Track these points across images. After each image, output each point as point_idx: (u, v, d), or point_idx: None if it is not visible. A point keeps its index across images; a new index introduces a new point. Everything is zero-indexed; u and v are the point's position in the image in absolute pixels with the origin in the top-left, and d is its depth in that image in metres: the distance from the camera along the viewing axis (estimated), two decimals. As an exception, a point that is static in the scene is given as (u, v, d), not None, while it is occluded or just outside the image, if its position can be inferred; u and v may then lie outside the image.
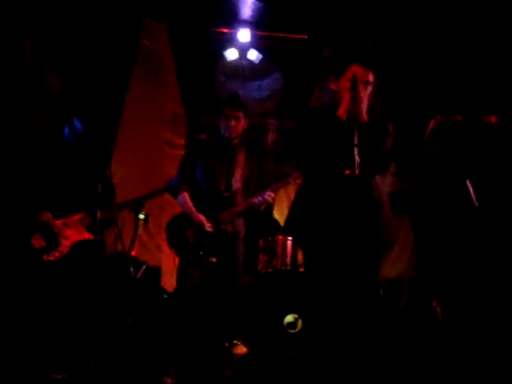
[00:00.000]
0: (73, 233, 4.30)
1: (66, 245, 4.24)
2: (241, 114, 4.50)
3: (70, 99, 4.67)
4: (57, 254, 4.20)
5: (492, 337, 3.83)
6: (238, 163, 4.51)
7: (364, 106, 3.37)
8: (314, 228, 3.41)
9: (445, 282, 4.39)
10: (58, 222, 4.26)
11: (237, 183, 4.49)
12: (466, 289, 4.19)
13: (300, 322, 4.88)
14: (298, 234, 3.62)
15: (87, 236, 4.32)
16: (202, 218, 4.37)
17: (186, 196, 4.45)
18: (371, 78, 3.42)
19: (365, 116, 3.36)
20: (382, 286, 5.08)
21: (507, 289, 3.84)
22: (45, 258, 4.15)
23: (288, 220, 3.62)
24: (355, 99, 3.32)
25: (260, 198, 4.44)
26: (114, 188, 4.29)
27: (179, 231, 4.46)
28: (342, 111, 3.38)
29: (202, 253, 4.37)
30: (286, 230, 3.82)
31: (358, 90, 3.32)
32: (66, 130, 4.39)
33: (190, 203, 4.42)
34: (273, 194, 4.48)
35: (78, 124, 4.36)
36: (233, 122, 4.45)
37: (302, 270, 5.20)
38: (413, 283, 5.09)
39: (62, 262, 4.21)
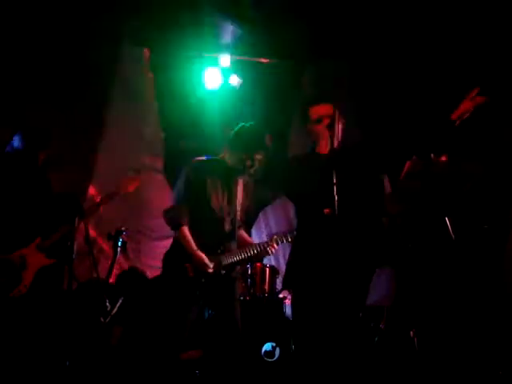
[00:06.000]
0: (33, 261, 4.18)
1: (28, 275, 4.14)
2: None
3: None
4: (22, 289, 4.10)
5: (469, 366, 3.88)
6: (237, 193, 4.18)
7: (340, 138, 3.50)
8: (309, 274, 3.48)
9: (422, 312, 4.42)
10: (15, 256, 4.14)
11: (238, 216, 4.17)
12: (443, 319, 4.23)
13: (278, 351, 4.86)
14: (297, 287, 3.66)
15: (48, 261, 4.22)
16: (205, 259, 4.03)
17: (186, 231, 4.06)
18: (331, 110, 3.54)
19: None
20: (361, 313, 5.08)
21: (483, 321, 3.88)
22: (11, 294, 4.06)
23: (286, 274, 3.73)
24: (333, 137, 3.45)
25: (263, 250, 4.17)
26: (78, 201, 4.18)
27: (177, 263, 4.08)
28: (322, 151, 3.56)
29: (197, 293, 4.07)
30: (286, 283, 3.92)
31: (334, 128, 3.45)
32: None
33: (191, 240, 4.04)
34: (276, 247, 4.19)
35: (16, 141, 4.20)
36: None
37: (280, 297, 5.20)
38: (391, 311, 5.10)
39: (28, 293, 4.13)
